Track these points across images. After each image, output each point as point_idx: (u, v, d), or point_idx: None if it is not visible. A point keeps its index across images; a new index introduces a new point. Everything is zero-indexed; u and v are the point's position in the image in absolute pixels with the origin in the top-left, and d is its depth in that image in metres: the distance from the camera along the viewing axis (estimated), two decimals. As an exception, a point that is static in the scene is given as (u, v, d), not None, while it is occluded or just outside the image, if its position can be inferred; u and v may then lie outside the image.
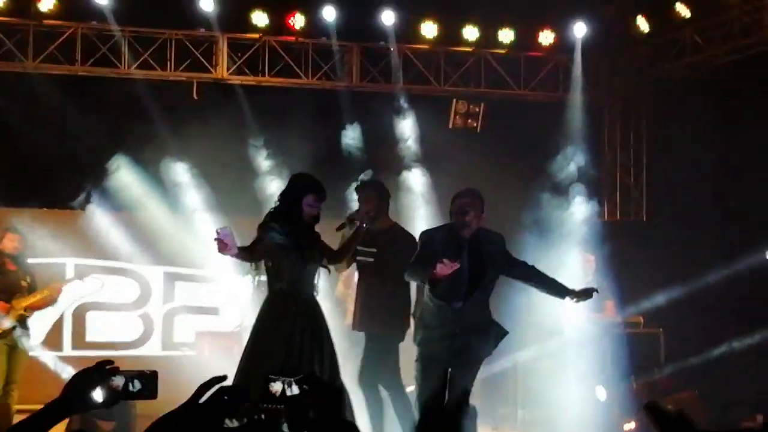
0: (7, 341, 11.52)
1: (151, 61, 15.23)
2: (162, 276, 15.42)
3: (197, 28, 15.43)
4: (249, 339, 8.58)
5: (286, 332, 8.32)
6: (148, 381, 3.40)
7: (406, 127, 16.17)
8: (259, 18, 15.23)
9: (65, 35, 14.89)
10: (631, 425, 12.08)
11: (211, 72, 15.54)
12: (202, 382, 3.16)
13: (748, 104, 14.26)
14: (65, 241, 14.63)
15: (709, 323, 13.94)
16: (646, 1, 15.68)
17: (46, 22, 14.76)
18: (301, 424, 3.58)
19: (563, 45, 16.13)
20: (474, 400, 9.39)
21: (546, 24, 16.00)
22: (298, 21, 15.33)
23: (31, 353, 12.26)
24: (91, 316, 15.13)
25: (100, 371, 3.32)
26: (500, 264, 8.99)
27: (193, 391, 3.13)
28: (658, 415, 2.93)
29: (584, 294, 9.14)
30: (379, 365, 9.56)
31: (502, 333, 9.18)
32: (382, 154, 16.06)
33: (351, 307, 10.29)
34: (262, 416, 3.88)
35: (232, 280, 14.57)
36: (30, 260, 12.46)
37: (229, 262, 14.46)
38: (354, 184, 11.56)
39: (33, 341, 12.35)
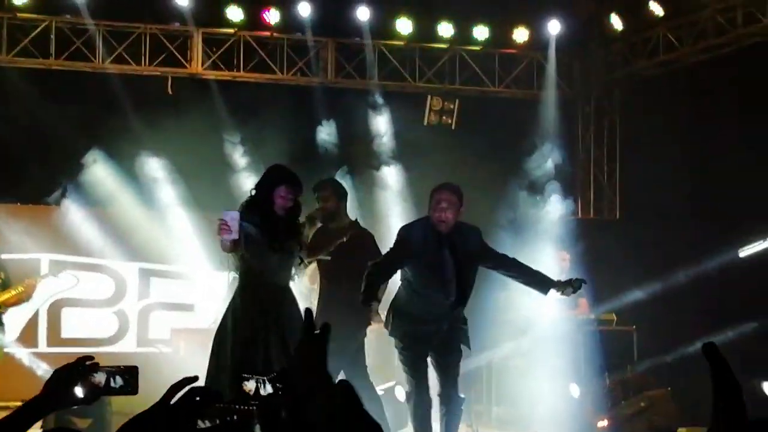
0: (-18, 338, 11.48)
1: (126, 56, 15.20)
2: (137, 272, 15.38)
3: (172, 22, 15.40)
4: (216, 335, 8.55)
5: (253, 327, 8.29)
6: (129, 377, 3.38)
7: (381, 124, 16.20)
8: (234, 13, 15.22)
9: (39, 29, 14.83)
10: (605, 422, 12.13)
11: (185, 67, 15.51)
12: (174, 382, 3.15)
13: (720, 103, 14.34)
14: (40, 237, 14.59)
15: (681, 321, 14.01)
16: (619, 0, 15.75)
17: (20, 15, 14.70)
18: (273, 425, 3.56)
19: (537, 42, 16.19)
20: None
21: (520, 21, 16.06)
22: (273, 16, 15.33)
23: (5, 350, 12.21)
24: (66, 313, 15.08)
25: (80, 367, 3.31)
26: (479, 256, 8.99)
27: (176, 381, 3.14)
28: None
29: (569, 285, 9.03)
30: (344, 365, 9.54)
31: (468, 341, 9.24)
32: (358, 151, 16.10)
33: (315, 302, 10.32)
34: (234, 417, 3.87)
35: (207, 276, 14.57)
36: (4, 256, 12.41)
37: (204, 258, 14.52)
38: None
39: (8, 338, 12.30)
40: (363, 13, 15.46)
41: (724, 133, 14.15)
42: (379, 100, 16.16)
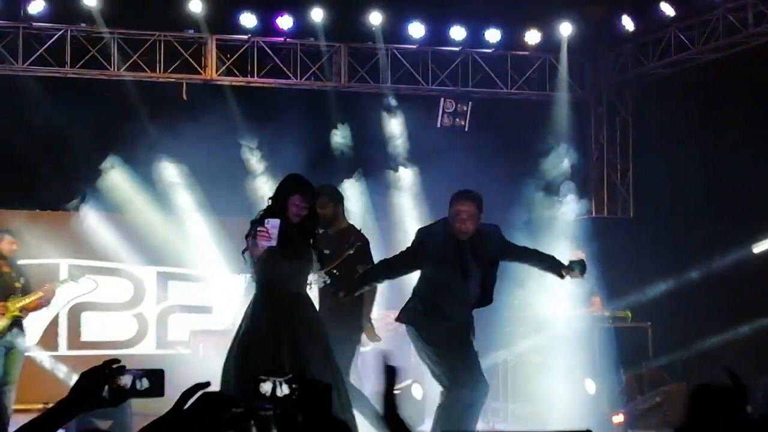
0: (3, 342, 11.59)
1: (141, 63, 15.29)
2: (155, 276, 15.50)
3: (186, 29, 15.48)
4: (233, 339, 8.63)
5: (270, 332, 8.36)
6: (155, 379, 3.40)
7: (395, 127, 16.28)
8: (248, 19, 15.29)
9: (54, 37, 14.94)
10: (620, 418, 12.19)
11: (200, 73, 15.60)
12: (191, 383, 3.21)
13: (731, 101, 14.39)
14: (59, 242, 14.73)
15: (695, 317, 14.08)
16: (630, 1, 15.78)
17: (36, 24, 14.81)
18: (290, 429, 3.60)
19: (549, 44, 16.23)
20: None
21: (532, 23, 16.10)
22: (286, 22, 15.38)
23: (26, 354, 12.34)
24: (85, 317, 15.21)
25: (107, 370, 3.34)
26: (501, 254, 9.08)
27: (189, 387, 3.21)
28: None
29: (574, 267, 9.06)
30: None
31: None
32: (372, 154, 16.17)
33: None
34: (253, 423, 3.94)
35: (224, 278, 14.67)
36: (24, 261, 12.53)
37: (221, 261, 14.63)
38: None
39: (28, 342, 12.44)
40: (375, 18, 15.53)
41: (736, 131, 14.20)
42: (393, 103, 16.25)
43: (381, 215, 15.71)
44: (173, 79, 15.51)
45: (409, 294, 9.26)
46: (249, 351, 8.34)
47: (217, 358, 8.98)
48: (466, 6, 15.62)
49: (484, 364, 9.66)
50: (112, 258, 15.07)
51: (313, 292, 8.93)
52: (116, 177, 15.08)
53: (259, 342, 8.34)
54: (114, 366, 3.36)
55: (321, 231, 9.28)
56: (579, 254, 13.39)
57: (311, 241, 8.64)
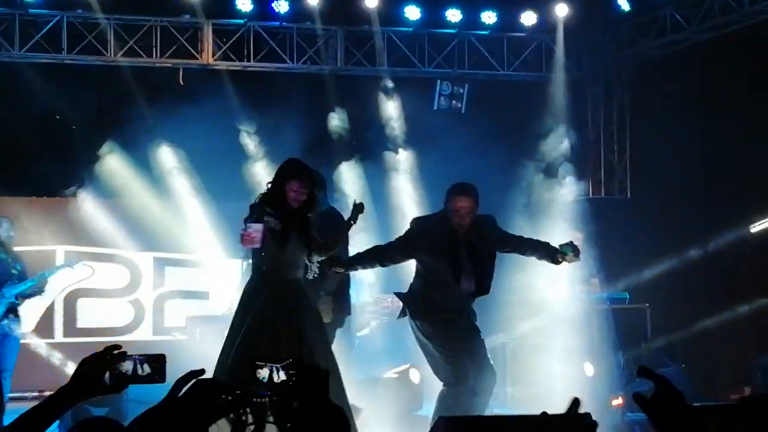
0: (-1, 329, 11.61)
1: (137, 48, 15.25)
2: (152, 261, 15.50)
3: (182, 14, 15.44)
4: (231, 325, 8.63)
5: (267, 318, 8.37)
6: (157, 365, 3.41)
7: (392, 109, 16.26)
8: (244, 3, 15.24)
9: (51, 24, 14.90)
10: (619, 400, 12.19)
11: (197, 58, 15.57)
12: (188, 369, 3.19)
13: (728, 81, 14.36)
14: (55, 228, 14.73)
15: (694, 298, 14.08)
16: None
17: (32, 11, 14.77)
18: (286, 415, 3.59)
19: (545, 25, 16.20)
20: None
21: (528, 5, 16.07)
22: (282, 6, 15.35)
23: (22, 341, 12.33)
24: (82, 303, 15.21)
25: (108, 356, 3.35)
26: (496, 244, 9.10)
27: (183, 374, 3.19)
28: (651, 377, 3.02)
29: (566, 251, 9.09)
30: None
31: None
32: (369, 137, 16.16)
33: None
34: (248, 410, 3.92)
35: (221, 264, 14.66)
36: (20, 248, 12.53)
37: (218, 247, 14.63)
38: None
39: (24, 329, 12.43)
40: (371, 1, 15.50)
41: (734, 110, 14.18)
42: (390, 85, 16.23)
43: (378, 198, 15.70)
44: (170, 64, 15.49)
45: (404, 278, 9.29)
46: (246, 337, 8.34)
47: (214, 343, 8.99)
48: (461, -12, 15.64)
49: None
50: (109, 244, 15.08)
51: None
52: (113, 163, 15.08)
53: (257, 328, 8.35)
54: (115, 352, 3.38)
55: (352, 222, 9.23)
56: (576, 235, 13.41)
57: (307, 227, 8.63)
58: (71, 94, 14.31)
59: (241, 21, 15.53)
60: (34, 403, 3.35)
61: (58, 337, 14.99)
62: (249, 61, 15.74)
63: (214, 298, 15.12)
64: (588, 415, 6.49)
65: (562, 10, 15.95)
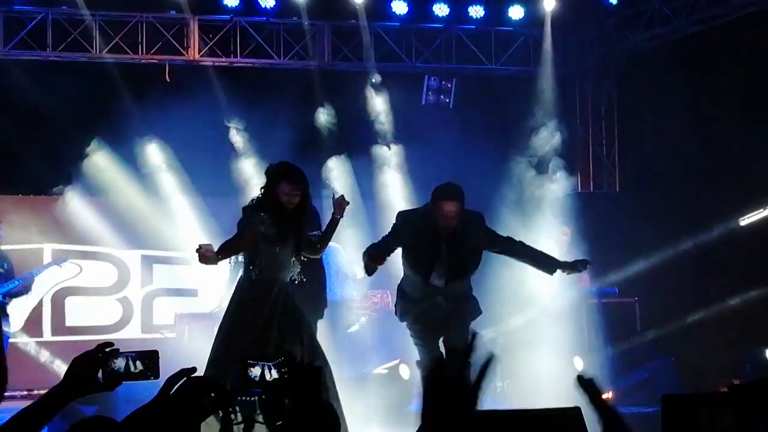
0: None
1: (123, 45, 15.20)
2: (139, 259, 15.46)
3: (168, 10, 15.39)
4: (222, 324, 8.63)
5: (259, 317, 8.37)
6: (150, 361, 3.41)
7: (380, 105, 16.22)
8: (230, -1, 15.22)
9: (35, 21, 14.83)
10: (609, 394, 12.19)
11: (183, 54, 15.52)
12: (177, 366, 3.17)
13: (716, 73, 14.35)
14: (42, 227, 14.68)
15: (683, 291, 14.08)
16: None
17: (17, 7, 14.72)
18: (276, 413, 3.57)
19: (533, 19, 16.18)
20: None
21: (515, -1, 16.09)
22: (268, 1, 15.31)
23: (10, 340, 12.29)
24: (70, 301, 15.16)
25: (100, 354, 3.34)
26: (482, 244, 9.13)
27: (174, 373, 3.17)
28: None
29: (576, 266, 9.20)
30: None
31: (479, 311, 9.37)
32: (357, 132, 16.13)
33: None
34: (237, 409, 3.89)
35: (209, 261, 14.60)
36: (7, 247, 12.48)
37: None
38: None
39: (12, 327, 12.39)
40: (358, -5, 15.48)
41: (722, 102, 14.17)
42: (377, 81, 16.18)
43: (367, 193, 15.68)
44: (156, 61, 15.43)
45: (393, 273, 9.37)
46: (237, 336, 8.34)
47: (204, 340, 8.98)
48: (448, -18, 15.61)
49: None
50: (96, 242, 15.04)
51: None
52: (100, 160, 15.03)
53: (248, 327, 8.34)
54: (107, 350, 3.37)
55: (338, 217, 9.22)
56: (565, 230, 13.42)
57: (299, 229, 8.63)
58: (57, 91, 14.24)
59: (227, 17, 15.48)
60: (24, 402, 3.33)
61: (47, 335, 14.95)
62: (235, 56, 15.70)
63: (202, 295, 15.08)
64: (578, 408, 6.48)
65: (549, 4, 15.93)
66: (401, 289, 9.38)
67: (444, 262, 8.95)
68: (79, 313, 15.16)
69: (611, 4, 15.68)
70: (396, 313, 9.44)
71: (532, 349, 12.73)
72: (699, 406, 4.14)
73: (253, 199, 8.73)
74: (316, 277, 10.03)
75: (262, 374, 3.49)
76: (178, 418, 3.03)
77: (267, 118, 14.45)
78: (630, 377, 12.76)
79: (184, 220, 15.15)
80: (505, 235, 9.36)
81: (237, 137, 15.51)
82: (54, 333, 14.99)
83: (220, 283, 13.23)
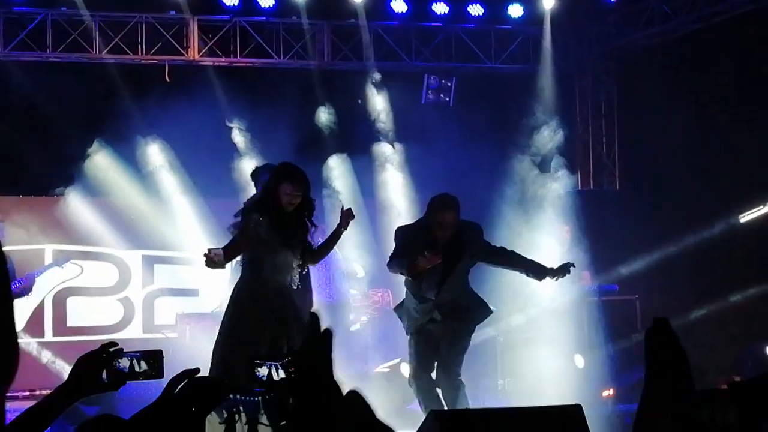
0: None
1: (123, 45, 15.21)
2: (140, 259, 15.46)
3: (167, 10, 15.39)
4: (222, 324, 8.61)
5: (260, 319, 8.36)
6: (154, 361, 3.41)
7: (380, 104, 16.23)
8: (229, -2, 15.23)
9: (35, 22, 14.84)
10: (610, 392, 12.22)
11: (182, 54, 15.53)
12: (179, 366, 3.18)
13: (716, 72, 14.36)
14: (43, 227, 14.69)
15: (683, 288, 14.08)
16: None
17: (16, 9, 14.72)
18: (280, 414, 3.56)
19: (532, 17, 16.18)
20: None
21: (514, -3, 16.09)
22: (268, 1, 15.31)
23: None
24: (71, 302, 15.16)
25: (104, 353, 3.35)
26: (477, 255, 9.24)
27: (176, 372, 3.17)
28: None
29: (562, 271, 9.35)
30: None
31: (486, 312, 9.45)
32: (358, 131, 16.14)
33: None
34: (241, 409, 3.89)
35: (210, 261, 14.59)
36: (8, 247, 12.46)
37: (207, 243, 14.57)
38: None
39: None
40: (357, -5, 15.48)
41: (722, 100, 14.18)
42: (377, 80, 16.18)
43: (368, 193, 15.70)
44: (156, 61, 15.44)
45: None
46: (236, 336, 8.33)
47: (205, 340, 8.99)
48: (447, -19, 15.62)
49: (474, 341, 9.72)
50: (97, 242, 15.04)
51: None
52: (101, 161, 15.03)
53: (246, 328, 8.33)
54: (111, 349, 3.38)
55: (342, 229, 9.23)
56: (564, 228, 13.43)
57: (301, 230, 8.61)
58: (58, 92, 14.24)
59: (227, 17, 15.48)
60: (26, 402, 3.35)
61: (48, 336, 14.94)
62: (235, 56, 15.70)
63: (203, 295, 15.07)
64: (578, 406, 6.49)
65: (548, 2, 15.93)
66: (404, 308, 9.52)
67: (436, 273, 9.05)
68: (80, 313, 15.16)
69: (610, 2, 15.70)
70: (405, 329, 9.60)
71: (533, 347, 12.75)
72: (700, 404, 4.14)
73: (252, 198, 8.72)
74: (305, 280, 10.02)
75: (270, 374, 3.48)
76: (183, 418, 3.04)
77: (267, 117, 14.46)
78: (631, 375, 12.76)
79: (185, 221, 15.15)
80: (498, 246, 9.50)
81: (239, 137, 15.51)
82: (55, 333, 14.99)
83: (220, 283, 13.24)
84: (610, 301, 13.61)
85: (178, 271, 15.47)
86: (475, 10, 15.97)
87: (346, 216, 8.94)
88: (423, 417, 6.74)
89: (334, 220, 9.43)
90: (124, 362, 3.36)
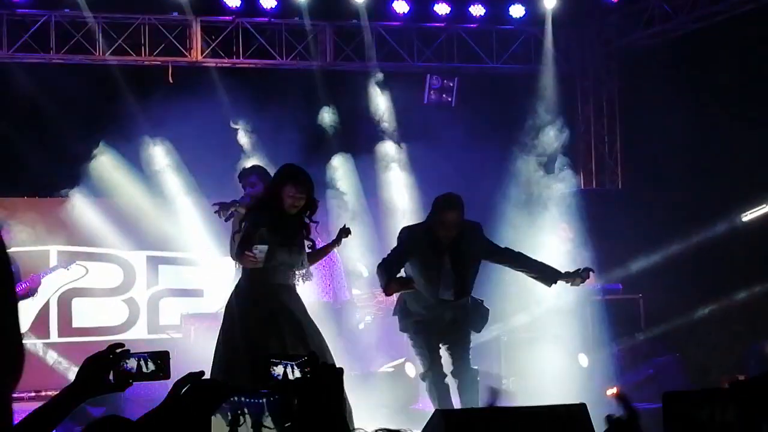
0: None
1: (126, 47, 15.23)
2: (145, 260, 15.49)
3: (170, 12, 15.42)
4: (223, 326, 8.58)
5: (260, 319, 8.34)
6: (161, 361, 3.42)
7: (382, 104, 16.24)
8: (232, 0, 15.23)
9: (38, 23, 14.86)
10: (614, 391, 12.22)
11: (185, 55, 15.55)
12: (185, 366, 3.20)
13: (717, 71, 14.38)
14: (48, 229, 14.71)
15: (687, 287, 14.09)
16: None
17: (20, 11, 14.74)
18: (285, 415, 3.56)
19: (534, 18, 16.20)
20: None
21: (516, -3, 16.11)
22: (270, 2, 15.32)
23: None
24: (76, 303, 15.19)
25: (111, 354, 3.38)
26: (482, 254, 9.23)
27: (181, 374, 3.19)
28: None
29: (577, 276, 9.21)
30: None
31: (484, 320, 9.47)
32: (360, 132, 16.15)
33: None
34: (245, 410, 3.89)
35: (214, 261, 14.64)
36: (13, 249, 12.50)
37: (211, 244, 14.62)
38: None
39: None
40: (359, -5, 15.50)
41: (724, 99, 14.20)
42: (380, 79, 16.20)
43: (370, 191, 15.72)
44: (159, 62, 15.46)
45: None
46: (236, 337, 8.32)
47: (210, 341, 8.97)
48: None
49: (477, 340, 9.75)
50: (102, 243, 15.06)
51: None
52: (106, 162, 15.05)
53: (246, 328, 8.32)
54: (118, 350, 3.41)
55: (340, 240, 9.24)
56: (564, 227, 13.45)
57: (302, 232, 8.60)
58: (62, 93, 14.27)
59: (229, 18, 15.50)
60: (32, 403, 3.37)
61: (54, 336, 14.97)
62: (238, 57, 15.73)
63: (208, 295, 15.09)
64: (583, 405, 6.51)
65: (550, 2, 15.94)
66: (404, 306, 9.46)
67: (449, 274, 9.04)
68: (85, 314, 15.19)
69: (611, 2, 15.71)
70: (400, 328, 9.60)
71: (537, 347, 12.76)
72: (699, 404, 4.18)
73: (255, 197, 8.70)
74: (306, 280, 10.04)
75: (285, 373, 3.46)
76: (188, 421, 3.06)
77: (271, 118, 14.48)
78: (635, 373, 12.79)
79: (189, 221, 15.17)
80: (503, 246, 9.46)
81: (245, 138, 15.52)
82: (61, 334, 15.02)
83: (225, 283, 13.26)
84: (613, 300, 13.63)
85: (182, 272, 15.50)
86: (477, 10, 15.98)
87: (343, 233, 8.99)
88: (428, 416, 6.75)
89: (334, 221, 9.46)
90: (131, 363, 3.38)
